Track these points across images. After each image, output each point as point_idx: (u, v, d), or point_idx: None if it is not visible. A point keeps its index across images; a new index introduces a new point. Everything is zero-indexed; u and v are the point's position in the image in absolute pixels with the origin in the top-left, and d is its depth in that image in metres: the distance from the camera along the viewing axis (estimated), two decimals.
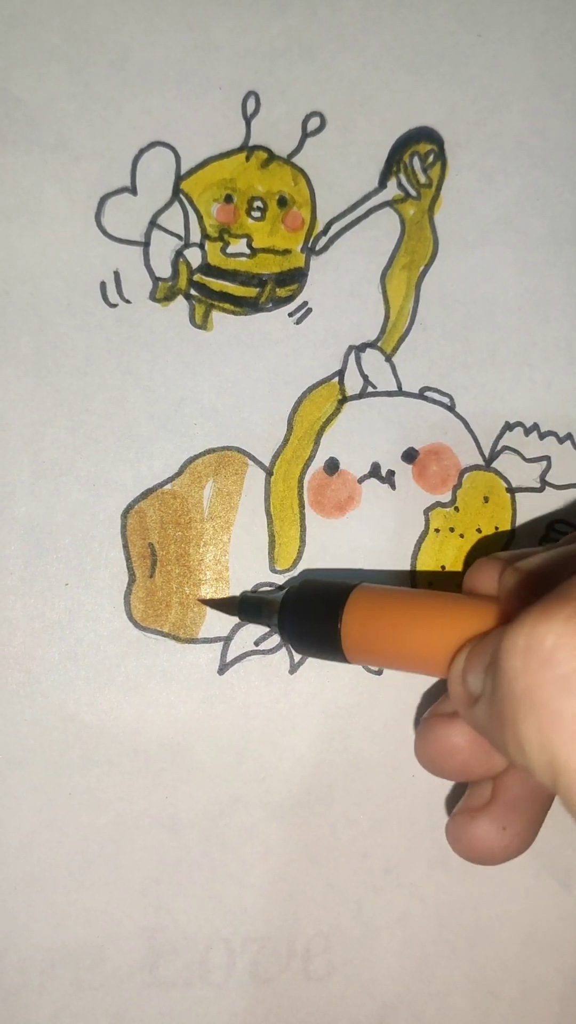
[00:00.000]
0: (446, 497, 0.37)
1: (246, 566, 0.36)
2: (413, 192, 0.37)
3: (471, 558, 0.37)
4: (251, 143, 0.36)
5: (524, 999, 0.37)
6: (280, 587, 0.36)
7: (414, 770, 0.37)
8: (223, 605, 0.36)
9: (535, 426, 0.37)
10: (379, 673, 0.37)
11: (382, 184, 0.37)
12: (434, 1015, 0.37)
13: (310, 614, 0.33)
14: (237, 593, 0.36)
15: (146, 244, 0.36)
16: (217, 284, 0.36)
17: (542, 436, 0.37)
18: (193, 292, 0.36)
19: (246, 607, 0.35)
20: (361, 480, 0.37)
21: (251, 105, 0.36)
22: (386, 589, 0.33)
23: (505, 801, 0.31)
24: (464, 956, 0.37)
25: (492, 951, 0.37)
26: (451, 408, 0.37)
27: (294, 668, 0.36)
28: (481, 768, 0.31)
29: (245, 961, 0.36)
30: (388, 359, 0.37)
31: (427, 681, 0.37)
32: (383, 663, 0.33)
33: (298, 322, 0.37)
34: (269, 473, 0.36)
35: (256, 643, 0.36)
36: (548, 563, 0.29)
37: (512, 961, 0.37)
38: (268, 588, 0.36)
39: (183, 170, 0.36)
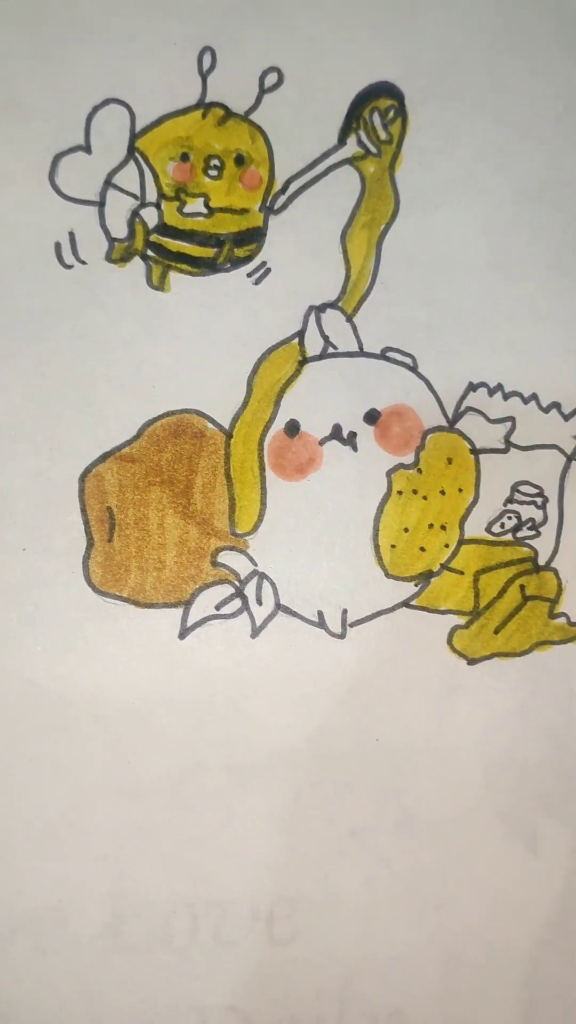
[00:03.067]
0: (409, 459, 0.37)
1: (206, 530, 0.36)
2: (373, 149, 0.36)
3: (435, 520, 0.37)
4: (207, 100, 0.36)
5: (490, 963, 0.37)
6: None
7: (378, 734, 0.36)
8: None
9: (499, 386, 0.37)
10: (342, 637, 0.36)
11: (341, 141, 0.36)
12: (400, 979, 0.36)
13: None
14: (207, 560, 0.36)
15: (101, 204, 0.35)
16: (174, 244, 0.36)
17: (506, 397, 0.37)
18: (150, 253, 0.36)
19: None
20: (322, 442, 0.36)
21: (207, 61, 0.36)
22: None
23: None
24: (430, 920, 0.37)
25: (458, 915, 0.37)
26: (414, 369, 0.37)
27: (256, 632, 0.36)
28: None
29: (208, 925, 0.35)
30: (349, 319, 0.36)
31: (391, 644, 0.36)
32: None
33: (257, 282, 0.36)
34: (229, 436, 0.36)
35: (217, 607, 0.36)
36: None
37: (478, 925, 0.37)
38: (229, 552, 0.36)
39: (138, 128, 0.35)
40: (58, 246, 0.35)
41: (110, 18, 0.35)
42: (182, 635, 0.36)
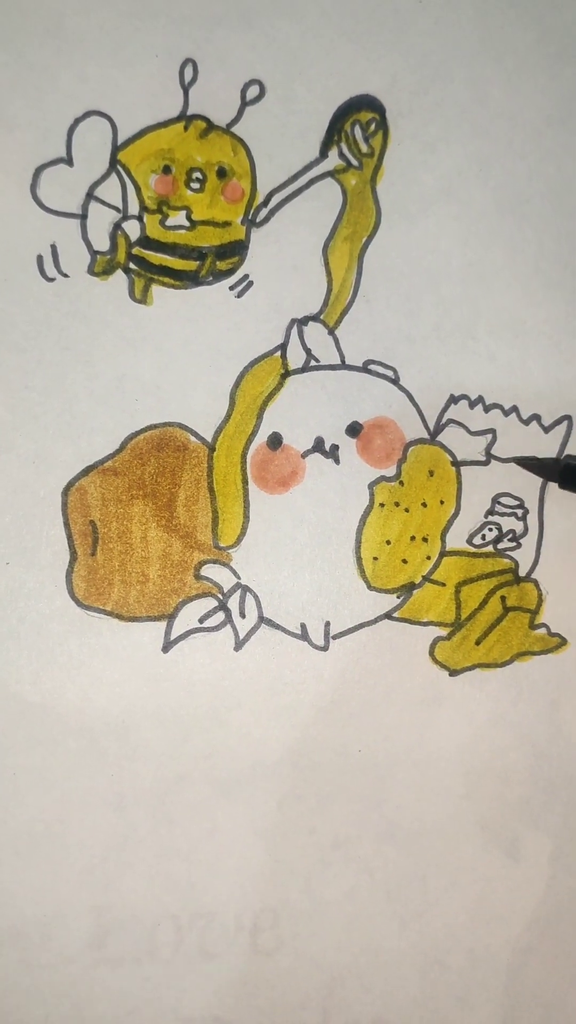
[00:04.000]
0: (391, 471, 0.37)
1: (189, 543, 0.36)
2: (355, 162, 0.36)
3: (416, 532, 0.37)
4: (189, 112, 0.36)
5: (472, 969, 0.37)
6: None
7: (361, 745, 0.37)
8: (542, 468, 0.33)
9: (480, 399, 0.37)
10: (325, 649, 0.36)
11: (323, 154, 0.36)
12: (383, 987, 0.37)
13: None
14: (190, 573, 0.36)
15: (83, 216, 0.35)
16: (156, 257, 0.36)
17: (487, 409, 0.37)
18: (132, 266, 0.36)
19: (570, 475, 0.33)
20: (305, 455, 0.36)
21: (189, 73, 0.36)
22: None
23: None
24: (412, 928, 0.37)
25: (440, 922, 0.37)
26: (395, 381, 0.37)
27: (239, 645, 0.36)
28: None
29: (193, 937, 0.36)
30: (331, 332, 0.37)
31: (373, 655, 0.37)
32: None
33: (239, 295, 0.36)
34: (211, 449, 0.36)
35: (200, 620, 0.36)
36: None
37: (460, 932, 0.37)
38: (212, 565, 0.36)
39: (120, 140, 0.35)
40: (40, 259, 0.35)
41: (92, 30, 0.35)
42: (165, 648, 0.36)
